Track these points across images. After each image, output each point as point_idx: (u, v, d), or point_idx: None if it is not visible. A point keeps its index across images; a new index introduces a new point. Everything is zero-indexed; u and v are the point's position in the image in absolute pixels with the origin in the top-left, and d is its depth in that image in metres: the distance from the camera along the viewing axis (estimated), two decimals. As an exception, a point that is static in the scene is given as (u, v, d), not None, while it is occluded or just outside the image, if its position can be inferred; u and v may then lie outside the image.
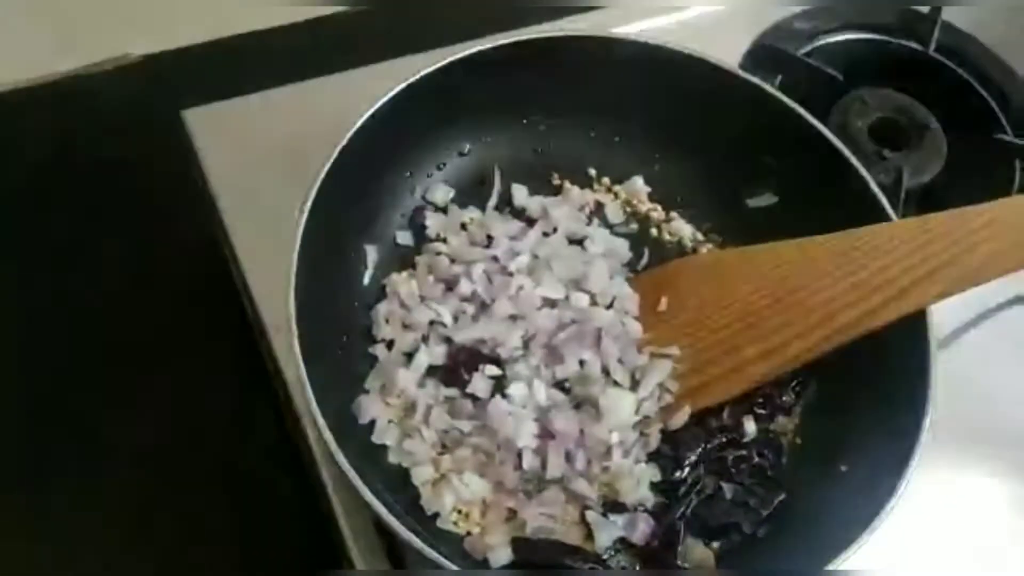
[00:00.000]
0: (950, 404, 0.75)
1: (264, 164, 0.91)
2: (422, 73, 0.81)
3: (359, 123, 0.79)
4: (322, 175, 0.76)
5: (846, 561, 0.68)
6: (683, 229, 0.91)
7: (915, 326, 0.77)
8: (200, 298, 0.97)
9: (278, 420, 0.86)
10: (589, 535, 0.76)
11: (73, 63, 1.09)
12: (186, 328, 0.96)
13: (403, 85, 0.81)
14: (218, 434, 0.91)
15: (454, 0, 1.20)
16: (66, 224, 1.00)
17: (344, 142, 0.78)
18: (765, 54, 1.06)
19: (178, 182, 0.96)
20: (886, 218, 0.83)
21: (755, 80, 0.89)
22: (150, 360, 0.94)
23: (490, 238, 0.86)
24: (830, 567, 0.68)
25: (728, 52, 1.06)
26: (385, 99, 0.80)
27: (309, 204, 0.75)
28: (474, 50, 0.83)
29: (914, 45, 1.10)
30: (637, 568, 0.76)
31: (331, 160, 0.77)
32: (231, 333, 0.93)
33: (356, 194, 0.83)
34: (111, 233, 1.00)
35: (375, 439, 0.77)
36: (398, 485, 0.76)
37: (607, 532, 0.75)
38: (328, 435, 0.67)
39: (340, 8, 1.17)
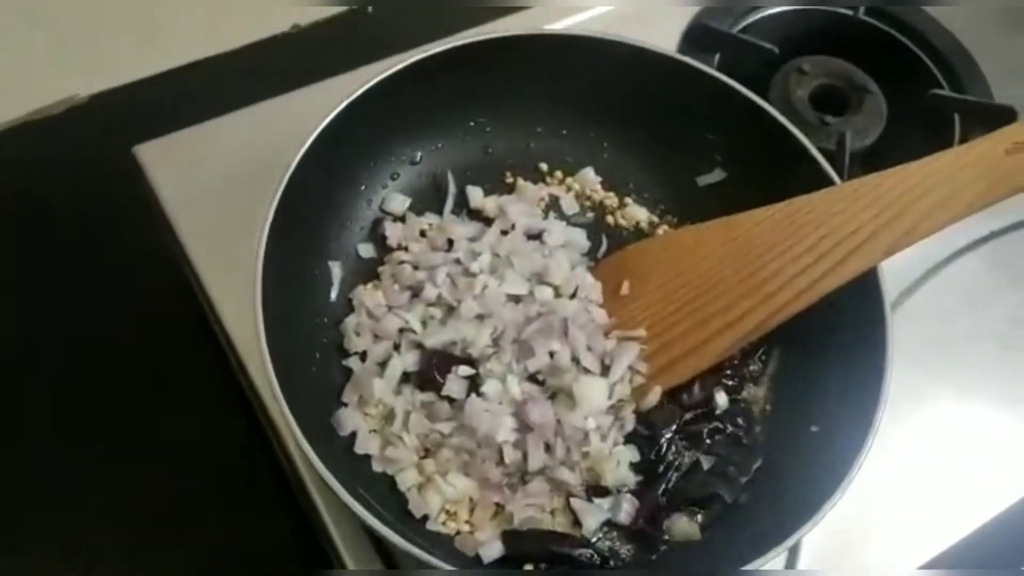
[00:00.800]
0: (908, 358, 0.78)
1: (220, 191, 0.92)
2: (362, 89, 0.83)
3: (306, 145, 0.80)
4: (276, 200, 0.77)
5: (826, 515, 0.70)
6: (638, 213, 0.93)
7: (867, 287, 0.80)
8: (168, 325, 0.97)
9: (253, 429, 0.87)
10: (577, 521, 0.77)
11: (21, 109, 1.09)
12: (158, 355, 0.96)
13: (345, 103, 0.82)
14: (198, 454, 0.92)
15: (387, 14, 1.22)
16: (27, 269, 1.00)
17: (293, 165, 0.79)
18: (701, 34, 1.08)
19: (137, 216, 0.96)
20: (828, 179, 0.85)
21: (688, 60, 0.91)
22: (125, 393, 0.94)
23: (450, 242, 0.87)
24: (810, 523, 0.69)
25: (666, 36, 1.08)
26: (329, 119, 0.81)
27: (266, 230, 0.76)
28: (409, 61, 0.85)
29: (844, 11, 1.12)
30: (625, 547, 0.77)
31: (283, 184, 0.78)
32: (203, 358, 0.93)
33: (313, 214, 0.84)
34: (73, 273, 1.00)
35: (357, 450, 0.78)
36: (385, 492, 0.78)
37: (593, 516, 0.77)
38: (314, 456, 0.68)
39: (282, 30, 1.18)
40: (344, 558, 0.79)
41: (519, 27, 1.02)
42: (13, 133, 1.09)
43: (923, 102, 1.06)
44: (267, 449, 0.87)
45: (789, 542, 0.69)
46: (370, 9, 1.24)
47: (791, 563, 0.79)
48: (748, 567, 0.68)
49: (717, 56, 1.07)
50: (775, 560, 0.70)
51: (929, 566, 0.83)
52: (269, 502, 0.90)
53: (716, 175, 0.93)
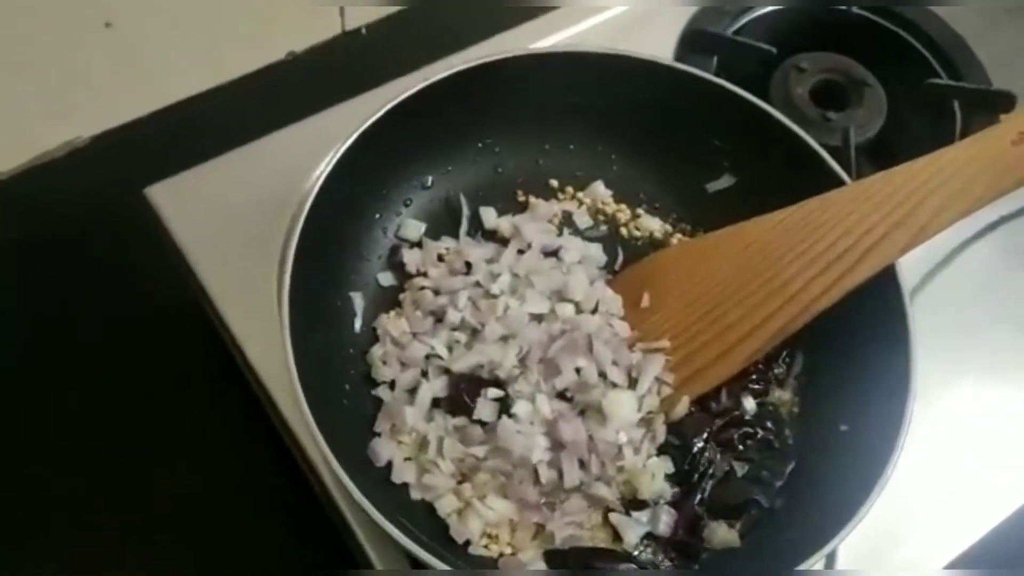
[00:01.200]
0: (927, 349, 0.79)
1: (235, 228, 0.92)
2: (371, 120, 0.83)
3: (321, 180, 0.80)
4: (295, 237, 0.78)
5: (867, 513, 0.71)
6: (651, 224, 0.94)
7: (885, 282, 0.81)
8: (192, 366, 0.98)
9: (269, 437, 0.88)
10: (617, 536, 0.78)
11: (23, 156, 1.09)
12: (182, 397, 0.96)
13: (355, 135, 0.82)
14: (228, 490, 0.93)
15: (381, 36, 1.22)
16: (43, 319, 1.00)
17: (310, 200, 0.79)
18: (697, 39, 1.09)
19: (151, 256, 0.96)
20: (837, 178, 0.86)
21: (689, 69, 0.91)
22: (152, 433, 0.95)
23: (468, 264, 0.88)
24: (851, 524, 0.70)
25: (663, 41, 1.09)
26: (341, 151, 0.82)
27: (289, 268, 0.76)
28: (414, 89, 0.85)
29: (839, 6, 1.13)
30: (664, 559, 0.78)
31: (301, 221, 0.78)
32: (228, 395, 0.94)
33: (331, 246, 0.85)
34: (88, 317, 1.00)
35: (395, 479, 0.79)
36: (425, 519, 0.78)
37: (633, 530, 0.78)
38: (359, 496, 0.69)
39: (277, 58, 1.18)
40: (372, 559, 0.79)
41: (513, 45, 1.04)
42: (16, 180, 1.09)
43: (922, 92, 1.07)
44: (285, 456, 0.87)
45: (830, 546, 0.70)
46: (363, 31, 1.24)
47: (830, 563, 0.79)
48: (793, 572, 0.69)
49: (715, 59, 1.07)
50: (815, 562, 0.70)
51: (964, 556, 0.83)
52: (289, 506, 0.90)
53: (725, 181, 0.93)
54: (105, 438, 0.93)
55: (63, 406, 0.95)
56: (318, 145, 0.93)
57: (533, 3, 1.14)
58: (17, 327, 0.99)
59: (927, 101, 1.07)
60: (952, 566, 0.84)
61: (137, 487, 0.91)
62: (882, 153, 1.03)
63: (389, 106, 0.84)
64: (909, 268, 0.82)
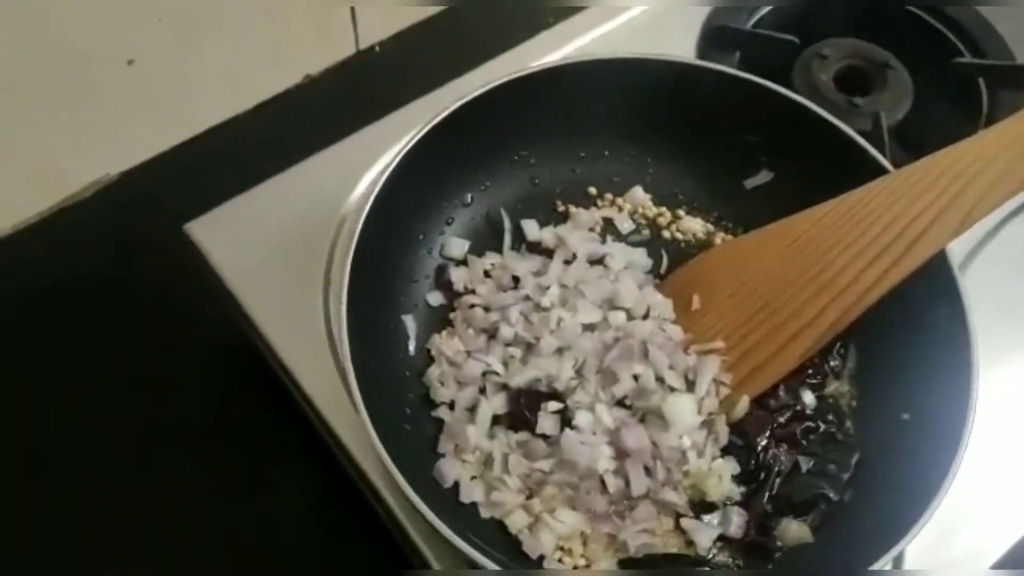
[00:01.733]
0: (986, 320, 0.79)
1: (277, 258, 0.92)
2: (413, 142, 0.83)
3: (367, 208, 0.80)
4: (347, 267, 0.78)
5: (942, 500, 0.71)
6: (693, 225, 0.94)
7: (934, 266, 0.80)
8: (244, 401, 0.98)
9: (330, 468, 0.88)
10: (689, 541, 0.79)
11: (53, 198, 1.09)
12: (238, 434, 0.97)
13: (397, 160, 0.82)
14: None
15: (397, 54, 1.22)
16: (90, 369, 1.00)
17: (359, 229, 0.79)
18: (718, 35, 1.09)
19: (190, 291, 0.97)
20: (877, 166, 0.86)
21: (711, 65, 0.91)
22: (211, 470, 0.96)
23: (516, 279, 0.88)
24: (927, 513, 0.70)
25: (684, 42, 1.09)
26: (385, 177, 0.81)
27: (344, 299, 0.76)
28: (451, 109, 0.84)
29: (856, -7, 1.13)
30: (740, 559, 0.78)
31: (351, 252, 0.78)
32: (283, 425, 0.94)
33: (380, 272, 0.85)
34: (137, 361, 1.00)
35: (463, 499, 0.79)
36: (498, 536, 0.79)
37: (705, 534, 0.78)
38: (433, 518, 0.69)
39: (295, 82, 1.18)
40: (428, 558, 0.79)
41: (534, 57, 1.04)
42: (48, 223, 1.09)
43: (947, 72, 1.07)
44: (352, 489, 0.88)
45: (907, 539, 0.70)
46: (377, 48, 1.24)
47: (898, 560, 0.79)
48: (874, 567, 0.69)
49: (737, 54, 1.07)
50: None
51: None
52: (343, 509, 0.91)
53: (763, 176, 0.93)
54: (171, 480, 0.94)
55: (122, 454, 0.95)
56: (351, 169, 0.95)
57: (540, 14, 1.15)
58: (67, 379, 0.99)
59: (952, 81, 1.07)
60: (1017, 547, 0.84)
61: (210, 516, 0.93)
62: (910, 136, 1.03)
63: (427, 127, 0.84)
64: (956, 243, 0.81)
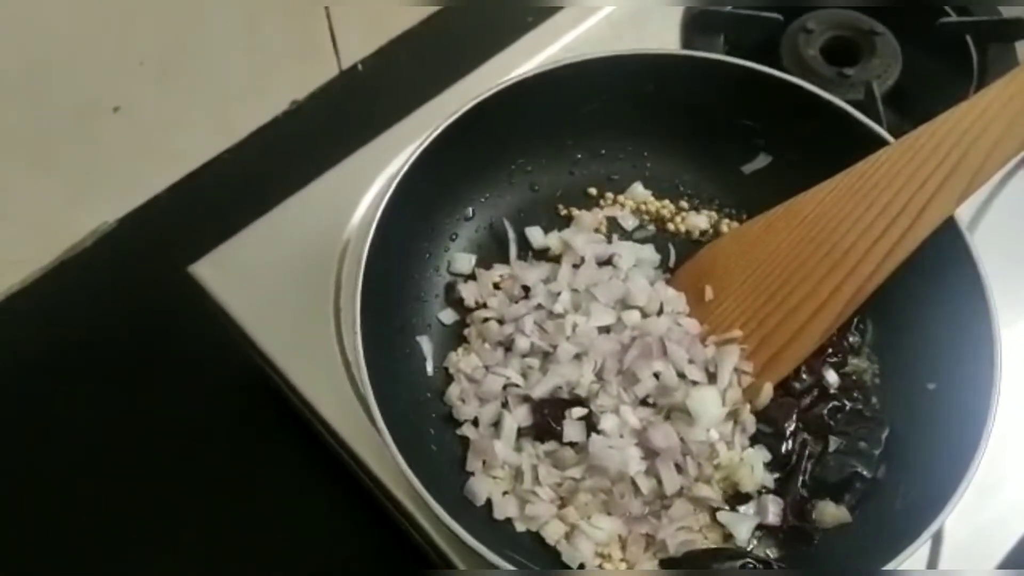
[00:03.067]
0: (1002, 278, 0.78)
1: (284, 292, 0.91)
2: (409, 163, 0.82)
3: (371, 233, 0.79)
4: (358, 296, 0.77)
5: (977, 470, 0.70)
6: (697, 215, 0.93)
7: (943, 232, 0.80)
8: (266, 438, 0.98)
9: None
10: (728, 534, 0.78)
11: (54, 251, 1.08)
12: (266, 474, 0.97)
13: (396, 182, 0.81)
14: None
15: (380, 72, 1.22)
16: (106, 420, 1.00)
17: (364, 256, 0.79)
18: (701, 19, 1.08)
19: (200, 332, 0.97)
20: (876, 136, 0.85)
21: (692, 53, 0.91)
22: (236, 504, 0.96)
23: (526, 288, 0.88)
24: (963, 484, 0.70)
25: (667, 30, 1.08)
26: (385, 202, 0.80)
27: (358, 329, 0.76)
28: (443, 127, 0.84)
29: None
30: (781, 546, 0.78)
31: (360, 279, 0.78)
32: (310, 458, 0.94)
33: (390, 296, 0.85)
34: (152, 410, 1.00)
35: (497, 515, 0.79)
36: (535, 550, 0.78)
37: (743, 525, 0.78)
38: (471, 540, 0.69)
39: (282, 109, 1.18)
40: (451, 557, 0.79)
41: (517, 63, 1.03)
42: (51, 276, 1.09)
43: (934, 32, 1.06)
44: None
45: (946, 512, 0.69)
46: (360, 67, 1.24)
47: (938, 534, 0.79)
48: (912, 547, 0.69)
49: (722, 37, 1.06)
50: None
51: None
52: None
53: (762, 160, 0.93)
54: (193, 529, 0.95)
55: (142, 508, 0.95)
56: (349, 194, 0.95)
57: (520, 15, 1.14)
58: (81, 430, 0.99)
59: (941, 42, 1.06)
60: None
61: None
62: (904, 101, 1.02)
63: (420, 149, 0.83)
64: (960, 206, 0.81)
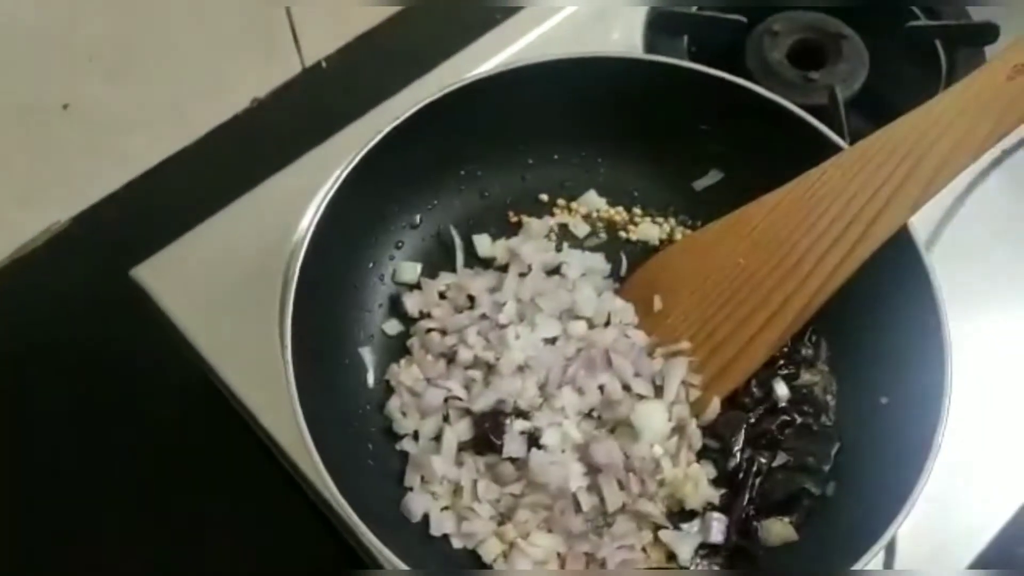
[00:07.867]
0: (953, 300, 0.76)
1: (227, 296, 0.90)
2: (349, 167, 0.80)
3: (307, 239, 0.77)
4: (290, 303, 0.75)
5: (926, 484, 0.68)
6: (650, 223, 0.91)
7: (900, 243, 0.78)
8: (210, 445, 0.95)
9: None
10: (671, 552, 0.76)
11: (4, 250, 1.06)
12: (208, 479, 0.94)
13: (334, 189, 0.79)
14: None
15: (343, 69, 1.19)
16: (51, 419, 0.98)
17: (299, 263, 0.76)
18: (664, 22, 1.05)
19: (151, 334, 0.94)
20: (830, 143, 0.83)
21: (649, 57, 0.91)
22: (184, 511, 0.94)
23: (471, 298, 0.85)
24: (909, 503, 0.68)
25: (630, 31, 1.06)
26: (323, 205, 0.79)
27: (288, 338, 0.74)
28: (385, 131, 0.81)
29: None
30: (725, 565, 0.76)
31: (293, 286, 0.75)
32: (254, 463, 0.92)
33: (329, 306, 0.82)
34: (96, 405, 0.98)
35: (434, 532, 0.77)
36: (473, 567, 0.76)
37: (686, 543, 0.76)
38: (397, 561, 0.67)
39: (243, 107, 1.15)
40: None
41: (473, 63, 1.01)
42: (3, 275, 1.07)
43: (903, 36, 1.04)
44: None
45: (893, 527, 0.67)
46: (323, 64, 1.21)
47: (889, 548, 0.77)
48: (863, 558, 0.67)
49: (685, 39, 1.04)
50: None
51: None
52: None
53: (717, 170, 0.91)
54: (144, 528, 0.93)
55: (93, 512, 0.93)
56: (297, 196, 0.92)
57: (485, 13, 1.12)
58: (29, 427, 0.98)
59: (909, 45, 1.04)
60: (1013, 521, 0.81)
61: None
62: (871, 105, 1.00)
63: (363, 152, 0.81)
64: (921, 219, 0.79)
